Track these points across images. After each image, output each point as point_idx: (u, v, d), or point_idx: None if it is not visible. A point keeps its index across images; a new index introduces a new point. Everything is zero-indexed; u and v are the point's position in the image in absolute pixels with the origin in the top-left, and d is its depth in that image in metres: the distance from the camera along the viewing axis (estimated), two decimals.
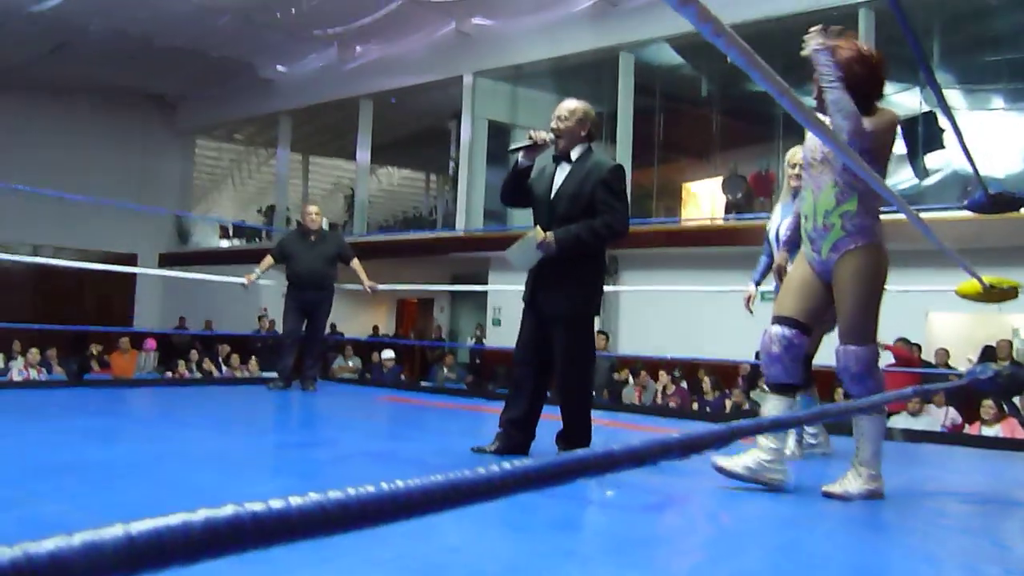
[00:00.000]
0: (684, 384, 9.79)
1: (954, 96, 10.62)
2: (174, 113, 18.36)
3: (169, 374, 10.85)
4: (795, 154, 3.61)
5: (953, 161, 10.26)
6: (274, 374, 6.08)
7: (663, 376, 9.67)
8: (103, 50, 14.09)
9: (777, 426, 0.81)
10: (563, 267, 3.14)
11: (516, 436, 3.17)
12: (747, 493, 2.72)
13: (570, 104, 3.27)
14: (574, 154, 3.22)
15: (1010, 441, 4.95)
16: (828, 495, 2.62)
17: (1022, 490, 3.20)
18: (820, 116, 2.40)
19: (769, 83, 0.92)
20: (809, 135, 2.78)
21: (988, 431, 6.06)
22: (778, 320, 2.77)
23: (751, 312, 4.04)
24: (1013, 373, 3.34)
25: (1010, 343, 9.01)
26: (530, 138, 3.20)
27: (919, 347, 8.81)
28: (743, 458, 2.65)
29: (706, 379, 9.20)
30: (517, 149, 3.25)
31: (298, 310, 5.74)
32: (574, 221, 3.11)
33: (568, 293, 3.15)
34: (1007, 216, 3.96)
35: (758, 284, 4.05)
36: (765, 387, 2.95)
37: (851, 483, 2.63)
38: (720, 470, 2.66)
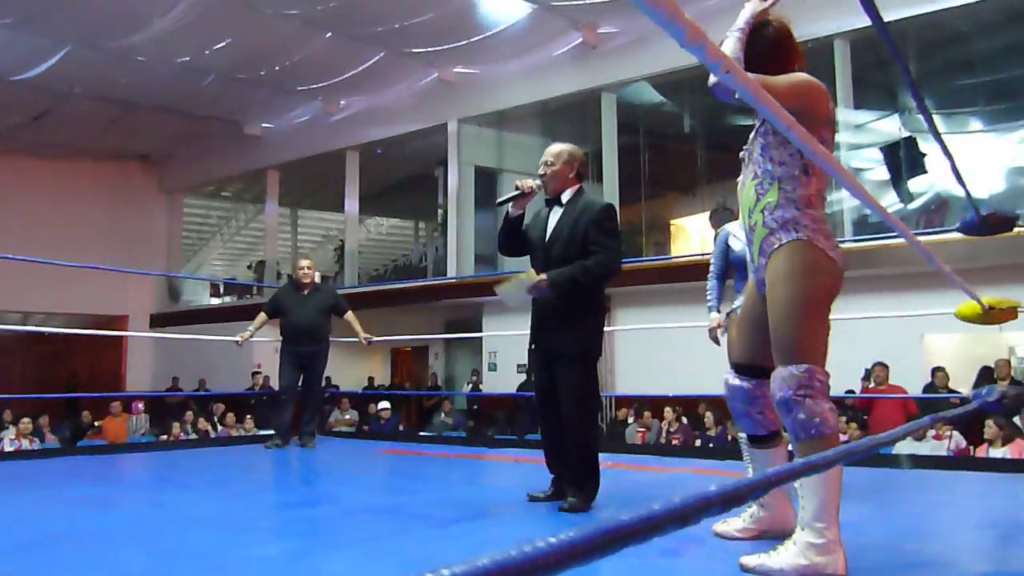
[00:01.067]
0: (684, 420, 9.71)
1: (926, 123, 10.76)
2: (160, 172, 18.43)
3: (164, 436, 10.70)
4: None
5: (936, 183, 10.38)
6: (271, 431, 5.99)
7: (668, 413, 9.61)
8: (86, 114, 14.19)
9: (810, 469, 0.78)
10: (565, 307, 3.14)
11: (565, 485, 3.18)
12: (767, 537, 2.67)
13: (555, 148, 3.31)
14: (565, 196, 3.26)
15: (1018, 462, 4.90)
16: (744, 569, 2.11)
17: None
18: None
19: (777, 117, 0.91)
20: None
21: (996, 452, 6.01)
22: (734, 368, 2.44)
23: (718, 344, 3.67)
24: (1018, 393, 3.31)
25: (1008, 362, 9.00)
26: (517, 188, 3.27)
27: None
28: (783, 554, 2.08)
29: (708, 414, 9.13)
30: (505, 201, 3.32)
31: (294, 365, 5.69)
32: (569, 263, 3.12)
33: (572, 333, 3.14)
34: (1000, 235, 3.97)
35: (719, 309, 3.76)
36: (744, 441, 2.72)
37: (783, 556, 2.06)
38: (720, 535, 2.44)
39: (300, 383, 5.74)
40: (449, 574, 0.36)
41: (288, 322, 5.71)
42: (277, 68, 12.86)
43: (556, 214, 3.26)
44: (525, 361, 12.89)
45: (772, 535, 2.39)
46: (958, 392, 8.18)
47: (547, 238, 3.22)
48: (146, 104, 14.10)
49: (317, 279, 6.15)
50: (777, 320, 2.16)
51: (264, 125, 16.18)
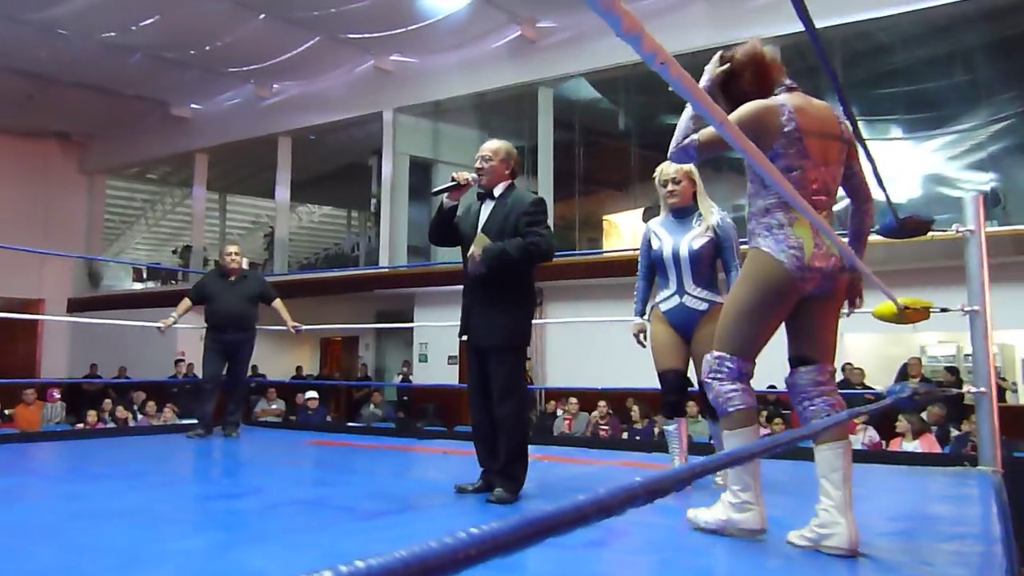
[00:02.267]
0: (611, 413, 9.83)
1: (850, 128, 11.15)
2: (81, 152, 17.72)
3: (80, 425, 10.32)
4: (663, 171, 3.59)
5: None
6: (193, 421, 5.84)
7: (601, 406, 9.72)
8: (2, 89, 13.54)
9: (734, 462, 0.80)
10: (493, 297, 3.16)
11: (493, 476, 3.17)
12: (686, 524, 2.72)
13: (493, 144, 3.36)
14: (497, 191, 3.31)
15: (928, 456, 5.13)
16: (686, 517, 2.56)
17: (943, 504, 3.29)
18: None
19: (708, 112, 0.92)
20: None
21: (908, 446, 6.27)
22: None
23: (643, 346, 3.71)
24: (929, 390, 3.46)
25: (920, 361, 9.39)
26: (453, 179, 3.31)
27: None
28: (712, 511, 2.50)
29: (635, 407, 9.27)
30: (441, 191, 3.34)
31: (219, 353, 5.56)
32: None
33: (501, 323, 3.16)
34: (914, 239, 4.13)
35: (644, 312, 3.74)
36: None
37: (714, 510, 2.47)
38: (696, 527, 2.53)
39: (225, 372, 5.61)
40: (366, 567, 0.35)
41: (214, 309, 5.58)
42: (208, 48, 12.50)
43: (488, 207, 3.31)
44: (456, 353, 12.86)
45: (740, 531, 2.48)
46: (872, 388, 8.51)
47: (479, 230, 3.25)
48: (67, 80, 13.53)
49: (245, 266, 6.00)
50: (720, 315, 2.50)
51: (193, 107, 15.71)
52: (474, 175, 3.31)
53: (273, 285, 6.05)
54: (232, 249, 5.77)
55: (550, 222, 3.32)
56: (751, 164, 1.48)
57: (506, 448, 3.11)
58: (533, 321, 3.36)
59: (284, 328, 5.90)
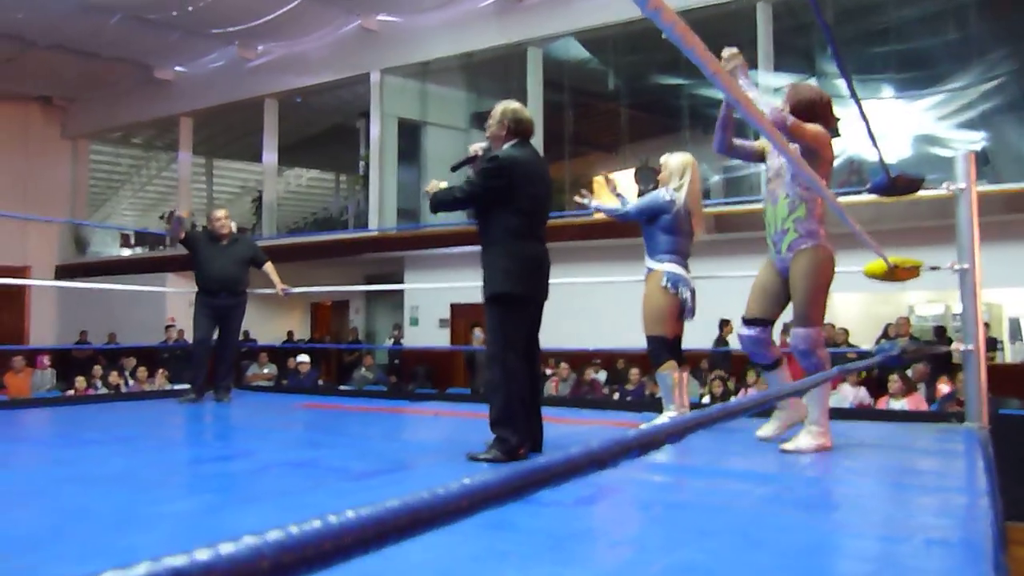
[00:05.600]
0: (601, 375, 9.89)
1: (846, 86, 11.09)
2: (64, 116, 17.44)
3: (71, 391, 10.31)
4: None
5: (848, 148, 10.70)
6: (185, 386, 5.82)
7: (590, 369, 9.77)
8: None
9: (725, 416, 0.79)
10: (483, 254, 3.27)
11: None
12: (677, 480, 2.74)
13: (495, 108, 3.33)
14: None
15: (915, 413, 5.18)
16: (785, 451, 3.11)
17: (930, 459, 3.33)
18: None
19: (703, 63, 0.89)
20: (769, 156, 3.35)
21: (896, 404, 6.33)
22: (745, 323, 3.40)
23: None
24: (917, 347, 3.48)
25: (908, 320, 9.45)
26: (470, 152, 3.37)
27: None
28: (804, 439, 3.15)
29: (634, 370, 9.26)
30: (460, 165, 3.40)
31: (210, 317, 5.50)
32: (481, 216, 3.27)
33: (486, 277, 3.22)
34: (904, 198, 4.12)
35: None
36: (762, 369, 3.57)
37: (803, 440, 3.13)
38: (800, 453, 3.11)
39: (216, 336, 5.57)
40: (357, 517, 0.34)
41: (205, 274, 5.49)
42: (191, 9, 12.26)
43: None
44: (447, 316, 12.86)
45: (797, 422, 3.37)
46: (856, 347, 8.56)
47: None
48: (46, 43, 13.27)
49: (234, 229, 5.94)
50: (799, 297, 3.22)
51: (177, 69, 15.46)
52: (485, 144, 3.35)
53: (262, 249, 6.01)
54: (220, 213, 5.70)
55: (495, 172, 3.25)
56: (782, 153, 1.91)
57: (490, 406, 3.09)
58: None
59: (274, 292, 5.87)
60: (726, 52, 3.14)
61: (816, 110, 3.26)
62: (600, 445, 0.51)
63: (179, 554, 0.28)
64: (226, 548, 0.30)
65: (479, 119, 12.30)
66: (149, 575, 0.27)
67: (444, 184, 3.35)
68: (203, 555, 0.29)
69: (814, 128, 3.18)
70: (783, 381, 3.45)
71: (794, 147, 3.03)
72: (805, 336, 3.21)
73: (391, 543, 0.35)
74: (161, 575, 0.27)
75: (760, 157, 3.42)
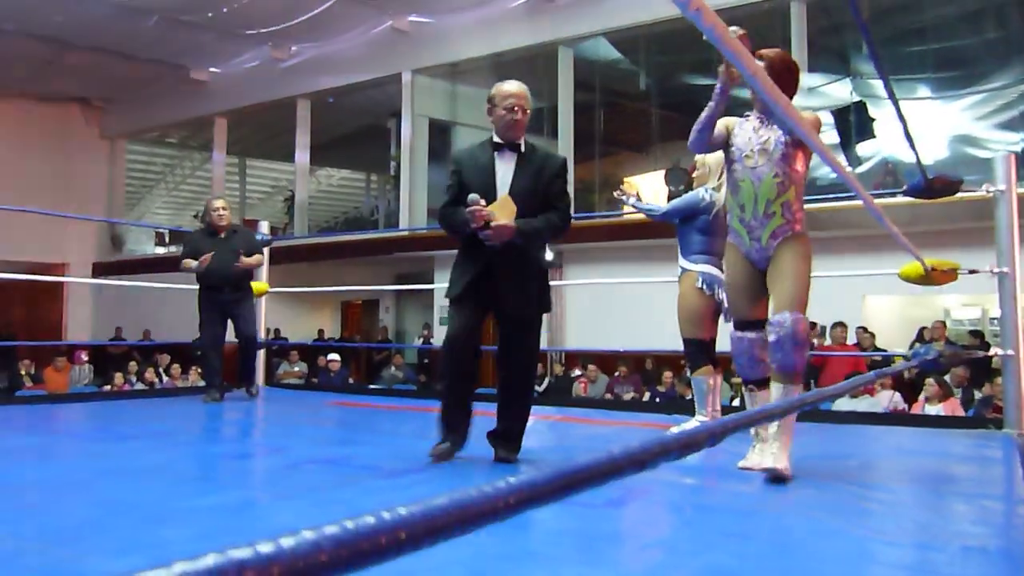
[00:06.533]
0: (634, 375, 9.84)
1: (883, 85, 10.94)
2: (101, 116, 17.76)
3: (107, 387, 10.49)
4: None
5: (883, 149, 10.56)
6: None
7: (623, 370, 9.76)
8: (19, 54, 13.56)
9: (764, 418, 0.78)
10: (524, 264, 2.98)
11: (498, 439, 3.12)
12: (708, 482, 2.73)
13: (526, 89, 3.02)
14: (523, 145, 3.01)
15: (952, 419, 5.09)
16: (743, 468, 2.80)
17: (963, 465, 3.28)
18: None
19: (743, 65, 0.89)
20: (736, 128, 2.98)
21: (931, 409, 6.23)
22: (743, 326, 3.00)
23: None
24: (954, 352, 3.42)
25: (944, 324, 9.29)
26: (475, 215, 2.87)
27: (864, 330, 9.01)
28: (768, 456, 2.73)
29: (667, 373, 9.20)
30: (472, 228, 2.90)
31: (216, 313, 5.32)
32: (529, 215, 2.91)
33: (534, 293, 3.02)
34: (940, 200, 4.06)
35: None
36: (750, 387, 3.07)
37: (766, 459, 2.71)
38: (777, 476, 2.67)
39: (228, 333, 5.38)
40: (408, 513, 0.35)
41: (206, 269, 5.24)
42: (225, 10, 12.42)
43: (510, 161, 2.98)
44: None
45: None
46: (884, 351, 8.44)
47: (509, 189, 2.93)
48: (84, 44, 13.52)
49: (235, 221, 5.74)
50: (794, 281, 2.82)
51: (211, 70, 15.66)
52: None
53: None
54: (219, 204, 5.47)
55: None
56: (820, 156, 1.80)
57: (522, 415, 3.07)
58: (553, 283, 3.36)
59: (306, 290, 5.87)
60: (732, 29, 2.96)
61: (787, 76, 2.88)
62: (641, 446, 0.51)
63: (243, 547, 0.29)
64: (287, 541, 0.31)
65: None
66: (216, 566, 0.27)
67: (512, 206, 2.89)
68: (265, 548, 0.29)
69: (811, 117, 2.89)
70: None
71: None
72: (795, 320, 2.74)
73: (441, 540, 0.36)
74: (226, 567, 0.28)
75: (725, 141, 2.99)
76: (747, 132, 2.94)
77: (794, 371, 2.75)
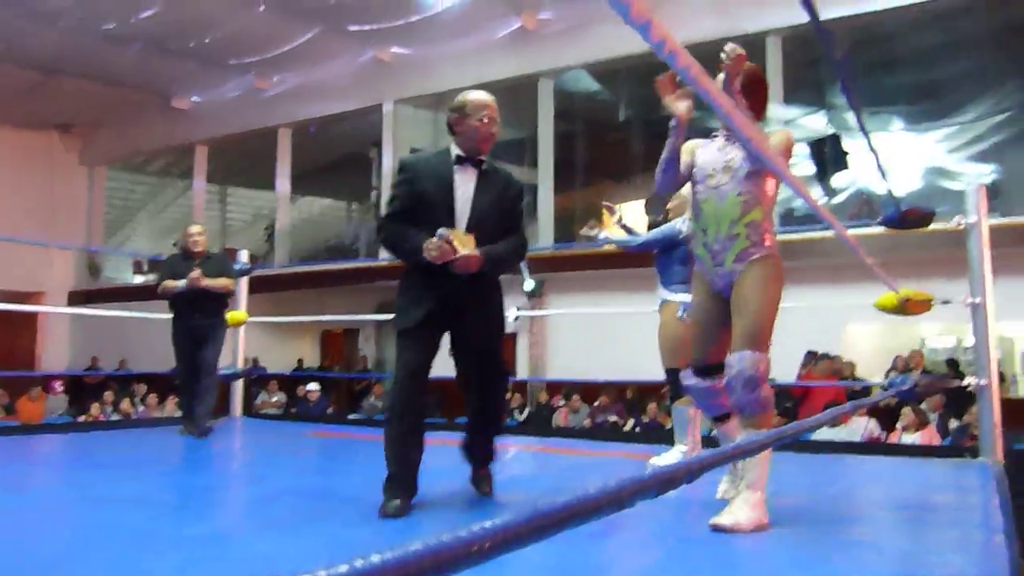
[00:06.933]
0: (618, 403, 9.85)
1: (855, 120, 11.13)
2: (82, 143, 17.68)
3: (82, 417, 10.34)
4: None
5: (858, 180, 10.73)
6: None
7: (604, 398, 9.75)
8: (3, 80, 13.51)
9: (741, 453, 0.80)
10: (488, 294, 2.85)
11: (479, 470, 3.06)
12: (690, 512, 2.73)
13: (494, 100, 2.85)
14: (484, 162, 2.84)
15: (928, 448, 5.13)
16: (719, 528, 2.42)
17: (941, 494, 3.30)
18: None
19: (716, 102, 0.91)
20: (700, 150, 2.80)
21: (908, 438, 6.27)
22: (698, 372, 2.78)
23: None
24: (930, 382, 3.47)
25: (921, 353, 9.39)
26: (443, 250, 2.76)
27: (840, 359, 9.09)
28: (747, 512, 2.46)
29: (651, 404, 9.17)
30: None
31: (189, 342, 5.21)
32: (493, 241, 2.76)
33: (499, 324, 2.95)
34: (915, 231, 4.13)
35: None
36: (715, 421, 2.94)
37: (742, 513, 2.45)
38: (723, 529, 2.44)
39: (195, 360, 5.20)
40: (381, 561, 0.35)
41: (180, 294, 5.15)
42: (208, 40, 12.47)
43: (470, 178, 2.79)
44: None
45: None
46: (863, 381, 8.52)
47: (472, 208, 2.76)
48: (67, 71, 13.50)
49: (215, 249, 5.61)
50: (754, 314, 2.59)
51: (193, 99, 15.67)
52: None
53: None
54: (196, 229, 5.42)
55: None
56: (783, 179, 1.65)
57: (495, 439, 3.03)
58: (534, 312, 3.36)
59: (286, 320, 5.83)
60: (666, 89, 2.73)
61: (758, 89, 2.79)
62: (619, 484, 0.52)
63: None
64: None
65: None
66: None
67: (471, 240, 2.74)
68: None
69: (780, 142, 2.69)
70: (733, 436, 2.80)
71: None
72: (753, 361, 2.52)
73: None
74: None
75: (689, 174, 2.81)
76: (711, 151, 2.78)
77: (752, 413, 2.56)
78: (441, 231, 2.65)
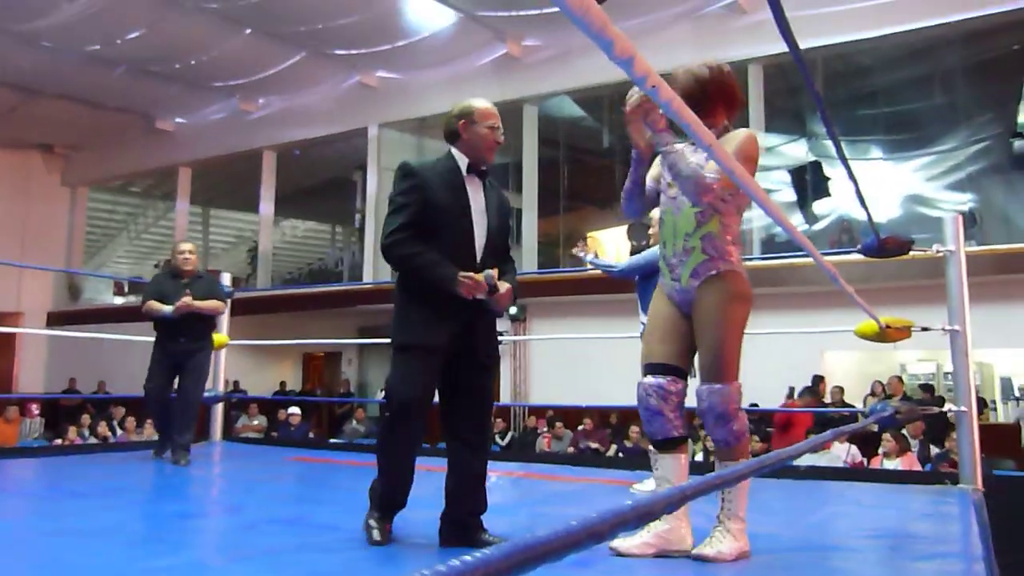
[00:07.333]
0: (602, 429, 9.83)
1: (835, 149, 11.28)
2: (64, 164, 17.60)
3: (58, 441, 10.19)
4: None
5: (839, 208, 10.86)
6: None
7: (588, 422, 9.75)
8: None
9: (719, 485, 0.80)
10: (490, 311, 2.68)
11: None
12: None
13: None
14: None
15: (909, 474, 5.15)
16: (703, 558, 2.37)
17: (921, 522, 3.31)
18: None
19: (697, 135, 0.93)
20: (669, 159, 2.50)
21: (889, 464, 6.30)
22: (650, 369, 2.53)
23: None
24: (910, 409, 3.49)
25: (900, 379, 9.47)
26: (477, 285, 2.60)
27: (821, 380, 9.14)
28: (640, 535, 2.44)
29: (634, 428, 9.16)
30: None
31: (166, 365, 4.95)
32: (499, 257, 2.66)
33: (495, 338, 2.78)
34: (896, 258, 4.18)
35: None
36: (651, 447, 2.65)
37: (726, 544, 2.39)
38: (619, 554, 2.42)
39: (175, 386, 4.98)
40: None
41: (165, 315, 4.92)
42: (193, 63, 12.48)
43: (477, 189, 2.66)
44: None
45: (670, 553, 2.46)
46: (851, 407, 8.57)
47: (488, 222, 2.63)
48: (51, 92, 13.46)
49: (199, 267, 5.42)
50: (715, 341, 2.44)
51: (177, 120, 15.66)
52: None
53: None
54: (186, 247, 5.19)
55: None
56: (749, 194, 1.58)
57: (485, 486, 2.67)
58: (517, 337, 3.33)
59: (267, 343, 5.78)
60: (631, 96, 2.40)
61: (717, 91, 2.53)
62: (599, 517, 0.52)
63: None
64: None
65: None
66: None
67: (493, 273, 2.60)
68: None
69: (739, 151, 2.42)
70: (679, 475, 2.50)
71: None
72: (723, 395, 2.40)
73: None
74: None
75: (657, 194, 2.64)
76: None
77: (728, 446, 2.46)
78: (489, 273, 2.54)
